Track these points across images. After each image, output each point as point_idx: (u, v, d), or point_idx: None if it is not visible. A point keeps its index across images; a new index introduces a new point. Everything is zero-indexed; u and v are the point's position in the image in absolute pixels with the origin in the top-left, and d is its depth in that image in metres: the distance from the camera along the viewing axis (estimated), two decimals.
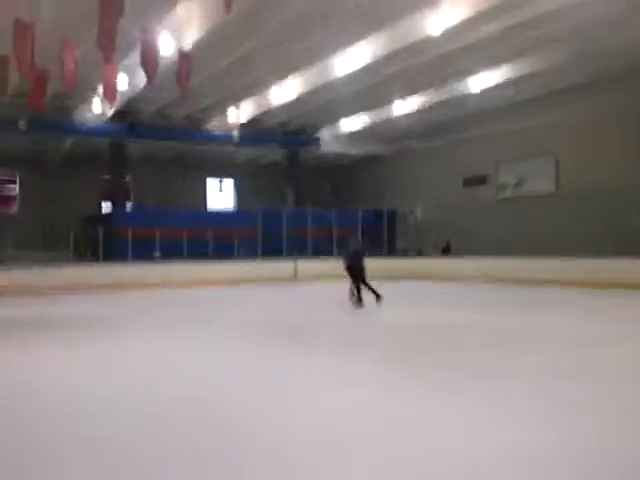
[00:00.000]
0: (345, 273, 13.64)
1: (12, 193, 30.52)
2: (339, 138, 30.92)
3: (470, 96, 23.85)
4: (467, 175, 28.47)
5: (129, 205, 29.98)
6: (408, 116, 26.73)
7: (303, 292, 14.00)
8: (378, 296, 13.28)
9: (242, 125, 27.92)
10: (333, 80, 21.32)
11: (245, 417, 5.16)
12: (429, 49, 18.54)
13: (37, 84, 13.53)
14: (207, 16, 16.19)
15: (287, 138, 30.46)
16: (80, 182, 29.77)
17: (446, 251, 25.92)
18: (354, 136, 30.51)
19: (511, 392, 5.82)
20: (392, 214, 28.80)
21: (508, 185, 26.75)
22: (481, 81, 22.63)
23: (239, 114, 27.01)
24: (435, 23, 16.67)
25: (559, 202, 23.15)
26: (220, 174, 34.95)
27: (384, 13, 16.46)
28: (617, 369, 6.88)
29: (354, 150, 32.18)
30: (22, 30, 11.89)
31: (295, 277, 23.74)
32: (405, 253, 27.46)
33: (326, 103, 25.07)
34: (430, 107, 25.40)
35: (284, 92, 23.57)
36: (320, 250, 25.27)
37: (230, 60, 19.16)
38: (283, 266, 23.72)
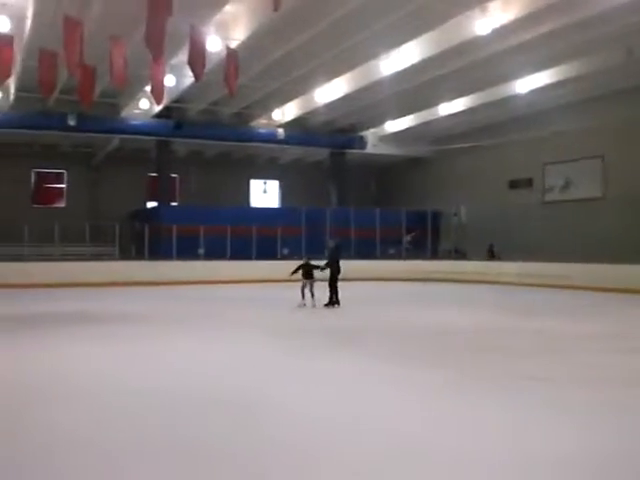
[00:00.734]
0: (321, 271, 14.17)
1: (60, 187, 31.10)
2: (384, 138, 30.71)
3: (517, 97, 23.41)
4: (513, 177, 28.00)
5: (174, 203, 30.29)
6: (454, 116, 26.41)
7: (347, 292, 14.16)
8: (335, 302, 13.77)
9: (287, 123, 27.97)
10: (380, 80, 21.17)
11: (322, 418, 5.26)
12: (477, 50, 18.27)
13: (85, 80, 13.71)
14: (255, 14, 16.25)
15: (332, 138, 30.33)
16: (127, 178, 30.19)
17: (491, 255, 25.47)
18: (399, 136, 30.25)
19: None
20: (436, 215, 28.47)
21: (554, 188, 26.23)
22: (528, 83, 22.18)
23: (285, 112, 27.07)
24: (484, 24, 16.41)
25: (606, 206, 22.63)
26: (265, 175, 34.96)
27: (434, 13, 16.25)
28: None
29: (399, 150, 31.94)
30: (71, 27, 12.07)
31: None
32: (448, 255, 27.06)
33: (372, 103, 24.91)
34: (477, 108, 25.06)
35: (330, 91, 23.51)
36: (363, 250, 25.14)
37: (277, 58, 19.19)
38: None
